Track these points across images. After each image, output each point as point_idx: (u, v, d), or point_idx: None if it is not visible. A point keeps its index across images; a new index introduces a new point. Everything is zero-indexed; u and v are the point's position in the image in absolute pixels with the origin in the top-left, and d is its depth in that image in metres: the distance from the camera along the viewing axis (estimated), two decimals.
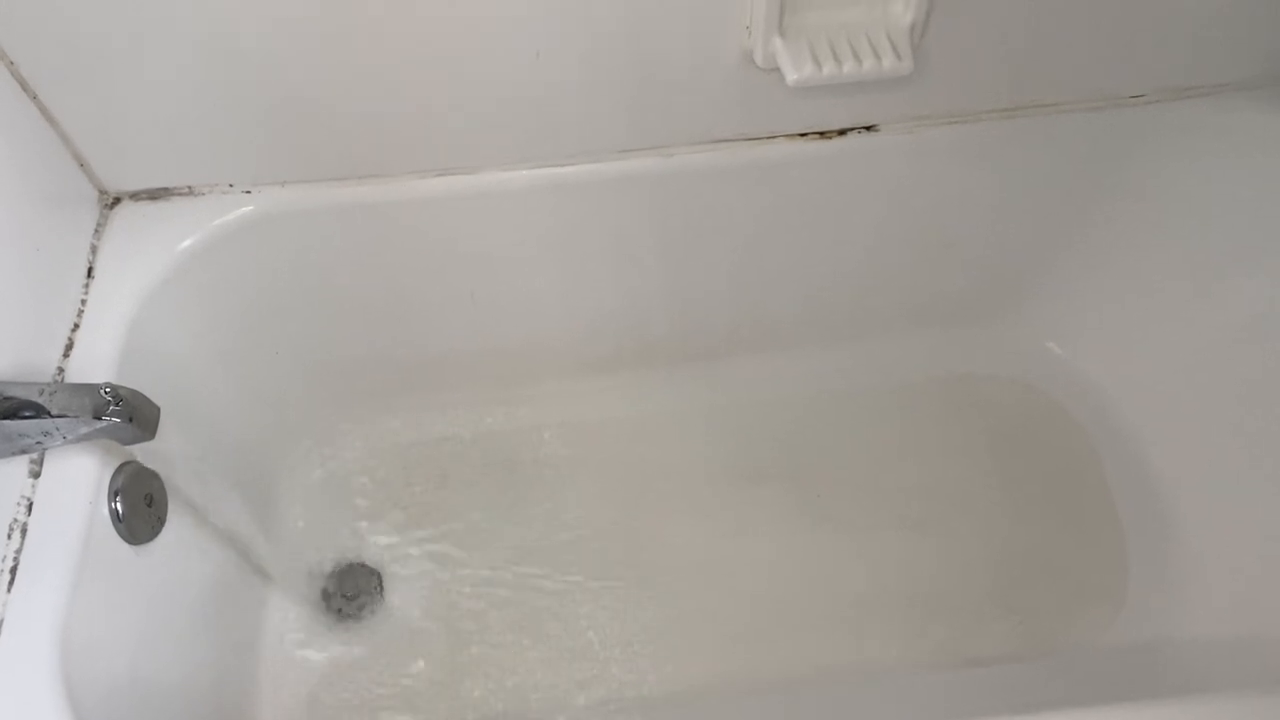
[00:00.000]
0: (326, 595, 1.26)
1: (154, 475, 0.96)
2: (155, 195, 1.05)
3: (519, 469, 1.35)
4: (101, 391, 0.78)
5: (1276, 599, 1.05)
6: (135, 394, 0.81)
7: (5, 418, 0.77)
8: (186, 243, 1.03)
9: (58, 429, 0.78)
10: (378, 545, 1.30)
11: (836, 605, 1.25)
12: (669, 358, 1.38)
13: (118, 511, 0.90)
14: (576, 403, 1.39)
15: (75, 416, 0.78)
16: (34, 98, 0.92)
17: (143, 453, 0.95)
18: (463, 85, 0.97)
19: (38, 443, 0.79)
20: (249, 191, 1.05)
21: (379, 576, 1.27)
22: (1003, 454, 1.36)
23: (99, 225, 1.03)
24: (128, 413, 0.80)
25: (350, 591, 1.26)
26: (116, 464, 0.91)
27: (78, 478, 0.87)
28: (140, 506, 0.94)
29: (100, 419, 0.78)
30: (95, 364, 0.94)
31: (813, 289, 1.30)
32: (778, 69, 0.94)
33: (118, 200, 1.05)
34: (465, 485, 1.34)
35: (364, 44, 0.92)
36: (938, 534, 1.29)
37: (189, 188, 1.05)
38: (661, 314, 1.30)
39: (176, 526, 1.00)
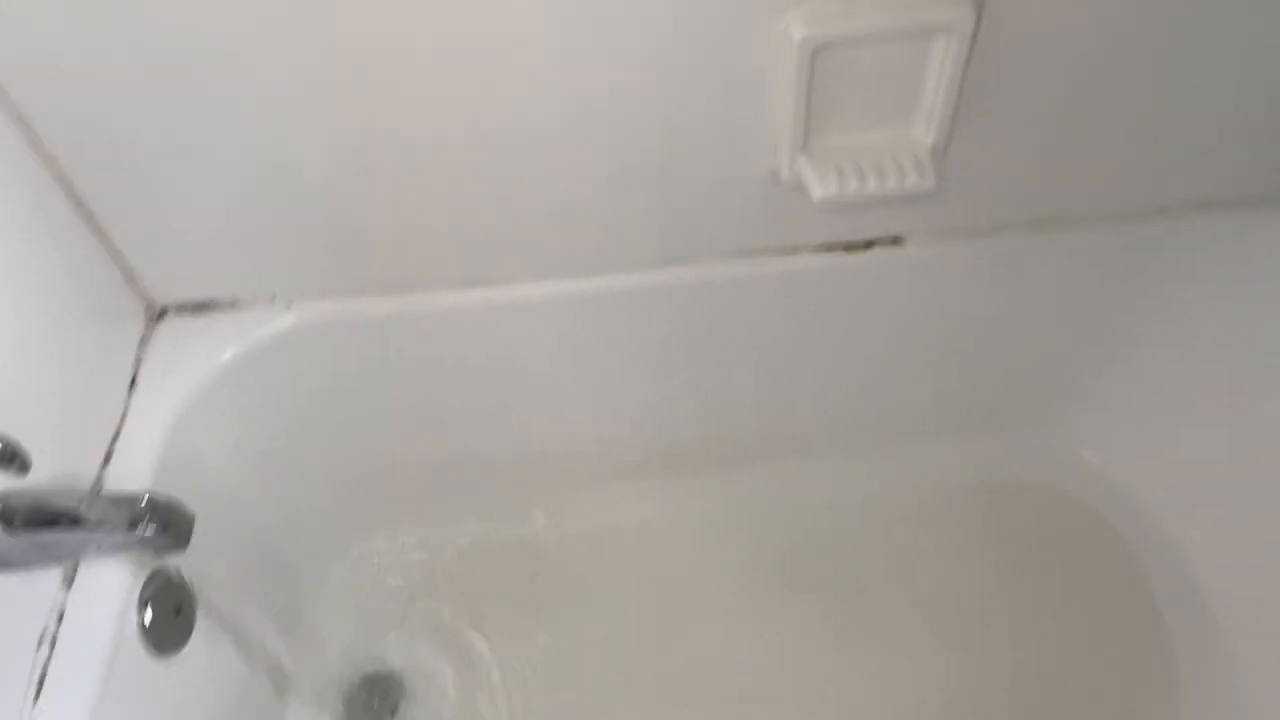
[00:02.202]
0: (351, 706, 1.24)
1: (184, 584, 0.96)
2: (200, 308, 1.09)
3: (548, 577, 1.34)
4: (138, 503, 0.79)
5: None
6: (171, 504, 0.82)
7: (42, 527, 0.79)
8: (227, 355, 1.05)
9: (93, 539, 0.79)
10: (404, 655, 1.28)
11: None
12: (698, 464, 1.37)
13: (146, 622, 0.90)
14: (607, 509, 1.38)
15: (111, 527, 0.79)
16: (89, 215, 0.96)
17: (174, 561, 0.95)
18: (497, 200, 1.00)
19: (72, 553, 0.80)
20: (290, 305, 1.08)
21: (404, 686, 1.25)
22: (1041, 566, 1.32)
23: (144, 337, 1.06)
24: (163, 523, 0.80)
25: (375, 702, 1.24)
26: (148, 573, 0.92)
27: (109, 588, 0.88)
28: (169, 616, 0.94)
29: (135, 529, 0.79)
30: (132, 474, 0.96)
31: (841, 397, 1.30)
32: (803, 186, 0.97)
33: (164, 312, 1.08)
34: (493, 594, 1.32)
35: (403, 163, 0.95)
36: (974, 651, 1.25)
37: (233, 300, 1.08)
38: (690, 421, 1.31)
39: (203, 636, 0.99)
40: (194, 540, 0.87)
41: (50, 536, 0.78)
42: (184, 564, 0.96)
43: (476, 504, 1.37)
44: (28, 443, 0.87)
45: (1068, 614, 1.28)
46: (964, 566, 1.33)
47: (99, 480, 0.95)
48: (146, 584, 0.91)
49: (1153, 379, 1.29)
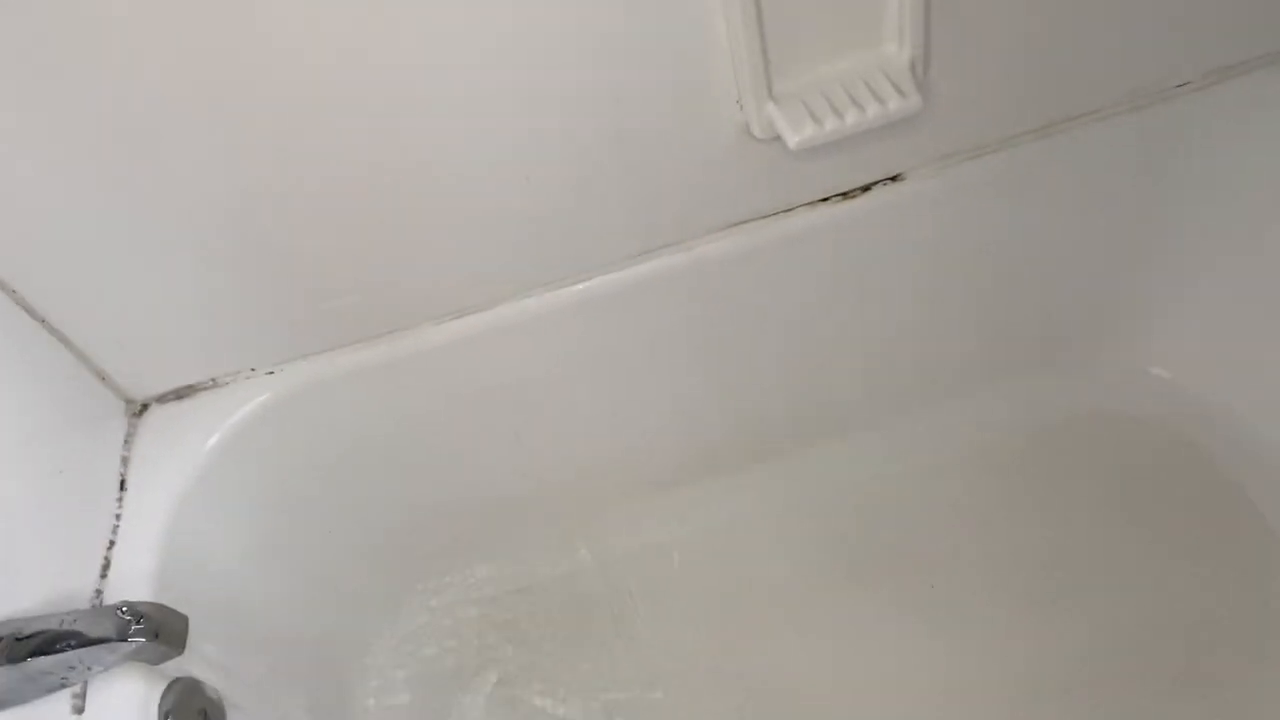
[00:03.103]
0: None
1: (205, 689, 0.90)
2: (182, 394, 1.03)
3: (598, 609, 1.25)
4: (118, 612, 0.73)
5: None
6: (158, 608, 0.76)
7: (31, 656, 0.73)
8: (214, 439, 1.00)
9: (82, 661, 0.73)
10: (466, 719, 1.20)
11: (980, 712, 1.09)
12: (735, 461, 1.29)
13: None
14: (648, 526, 1.29)
15: (100, 642, 0.73)
16: (42, 322, 0.91)
17: (196, 665, 0.89)
18: (464, 225, 0.94)
19: (63, 679, 0.74)
20: (272, 372, 1.03)
21: None
22: (1130, 501, 1.20)
23: (128, 435, 1.01)
24: (152, 630, 0.75)
25: None
26: (164, 683, 0.85)
27: (123, 707, 0.81)
28: None
29: (126, 641, 0.74)
30: (134, 581, 0.90)
31: (873, 359, 1.20)
32: (778, 137, 0.88)
33: (145, 406, 1.03)
34: (546, 638, 1.24)
35: (358, 207, 0.90)
36: (1078, 606, 1.13)
37: (213, 380, 1.03)
38: (715, 416, 1.22)
39: None
40: (210, 636, 0.81)
41: (36, 665, 0.72)
42: (205, 665, 0.90)
43: (511, 544, 1.29)
44: (15, 568, 0.83)
45: (1167, 546, 1.16)
46: (1042, 518, 1.21)
47: (98, 593, 0.89)
48: (164, 697, 0.85)
49: (1209, 274, 1.17)
